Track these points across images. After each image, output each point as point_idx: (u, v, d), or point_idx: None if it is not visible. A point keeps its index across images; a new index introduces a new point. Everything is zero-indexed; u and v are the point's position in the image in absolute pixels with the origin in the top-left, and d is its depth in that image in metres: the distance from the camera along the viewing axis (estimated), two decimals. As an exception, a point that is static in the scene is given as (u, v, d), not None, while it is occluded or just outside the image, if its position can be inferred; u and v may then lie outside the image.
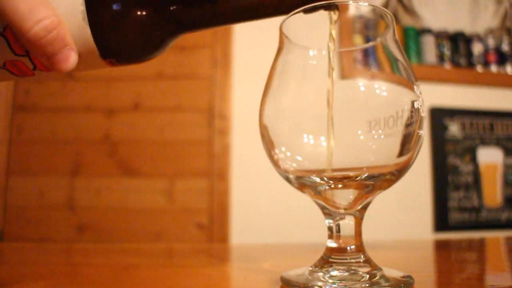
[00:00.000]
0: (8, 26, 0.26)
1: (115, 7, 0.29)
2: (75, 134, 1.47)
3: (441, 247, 0.63)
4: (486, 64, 1.70)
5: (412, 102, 0.30)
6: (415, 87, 0.31)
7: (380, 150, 0.30)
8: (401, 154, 0.31)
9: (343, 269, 0.30)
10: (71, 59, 0.27)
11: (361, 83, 0.30)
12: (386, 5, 1.69)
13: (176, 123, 1.47)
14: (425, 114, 0.31)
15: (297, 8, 0.31)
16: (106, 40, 0.29)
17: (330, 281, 0.29)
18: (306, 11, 0.32)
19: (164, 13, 0.31)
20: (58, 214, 1.43)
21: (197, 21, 0.32)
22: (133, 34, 0.30)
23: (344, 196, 0.32)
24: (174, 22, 0.32)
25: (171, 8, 0.31)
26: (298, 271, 0.32)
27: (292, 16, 0.32)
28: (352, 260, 0.31)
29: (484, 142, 1.64)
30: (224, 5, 0.32)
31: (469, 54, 1.69)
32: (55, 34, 0.26)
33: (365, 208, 0.32)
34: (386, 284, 0.28)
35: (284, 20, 0.33)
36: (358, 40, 0.36)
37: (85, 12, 0.28)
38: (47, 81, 1.51)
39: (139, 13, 0.30)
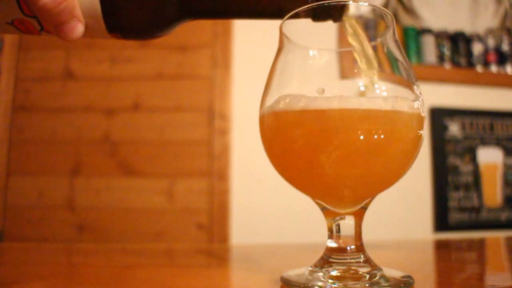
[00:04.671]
0: None
1: None
2: (75, 134, 1.47)
3: (441, 247, 0.63)
4: (486, 64, 1.70)
5: (412, 102, 0.30)
6: (415, 87, 0.31)
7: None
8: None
9: (343, 269, 0.30)
10: (77, 31, 0.28)
11: (361, 83, 0.30)
12: (386, 5, 1.69)
13: (176, 123, 1.47)
14: (425, 114, 0.31)
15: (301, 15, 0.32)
16: (114, 16, 0.30)
17: (330, 281, 0.29)
18: (316, 19, 0.32)
19: None
20: (58, 214, 1.43)
21: (205, 9, 0.33)
22: (140, 13, 0.31)
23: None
24: (182, 6, 0.32)
25: None
26: (298, 271, 0.32)
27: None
28: (352, 260, 0.31)
29: (484, 142, 1.64)
30: None
31: (469, 54, 1.69)
32: (64, 6, 0.27)
33: (365, 208, 0.32)
34: (386, 284, 0.28)
35: (284, 20, 0.33)
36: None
37: None
38: (47, 81, 1.51)
39: None
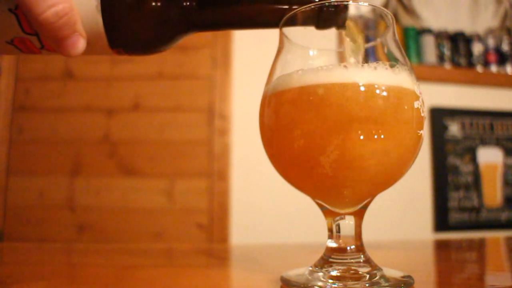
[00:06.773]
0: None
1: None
2: (75, 134, 1.47)
3: (441, 247, 0.63)
4: (486, 64, 1.70)
5: (412, 102, 0.30)
6: (415, 87, 0.31)
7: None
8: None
9: (343, 269, 0.30)
10: (79, 46, 0.28)
11: (361, 83, 0.30)
12: (386, 5, 1.69)
13: (176, 123, 1.47)
14: (425, 114, 0.31)
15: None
16: (116, 30, 0.30)
17: (330, 281, 0.29)
18: (319, 27, 0.32)
19: (176, 9, 0.31)
20: (58, 214, 1.43)
21: (208, 23, 0.33)
22: (143, 28, 0.31)
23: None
24: (186, 19, 0.32)
25: (184, 5, 0.31)
26: (298, 271, 0.32)
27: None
28: (352, 260, 0.31)
29: (484, 142, 1.64)
30: (239, 10, 0.32)
31: (469, 54, 1.69)
32: (66, 20, 0.26)
33: (365, 208, 0.32)
34: (386, 284, 0.28)
35: (284, 20, 0.33)
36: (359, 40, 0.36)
37: (99, 0, 0.28)
38: (47, 81, 1.51)
39: (151, 7, 0.30)
